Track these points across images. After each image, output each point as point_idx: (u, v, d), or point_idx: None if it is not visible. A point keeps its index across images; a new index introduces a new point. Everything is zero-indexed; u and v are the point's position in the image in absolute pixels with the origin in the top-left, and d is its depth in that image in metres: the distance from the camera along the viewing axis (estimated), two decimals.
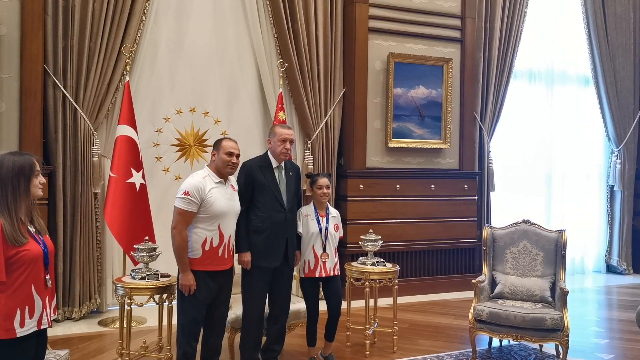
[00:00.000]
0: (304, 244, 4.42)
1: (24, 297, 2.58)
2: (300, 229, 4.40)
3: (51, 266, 2.75)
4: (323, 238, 4.42)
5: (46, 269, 2.70)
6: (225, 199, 3.85)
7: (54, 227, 5.53)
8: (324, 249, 4.42)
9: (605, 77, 8.58)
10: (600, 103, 8.69)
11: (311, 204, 4.54)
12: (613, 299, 7.53)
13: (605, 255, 8.96)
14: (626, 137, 8.72)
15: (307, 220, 4.43)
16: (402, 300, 6.69)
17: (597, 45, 8.55)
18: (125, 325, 4.12)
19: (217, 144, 3.94)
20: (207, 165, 3.96)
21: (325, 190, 4.47)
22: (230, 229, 3.91)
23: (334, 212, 4.61)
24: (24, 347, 2.60)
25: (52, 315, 2.76)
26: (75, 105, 5.59)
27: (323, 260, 4.41)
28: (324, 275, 4.41)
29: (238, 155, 3.93)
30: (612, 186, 8.87)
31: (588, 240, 8.89)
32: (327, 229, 4.45)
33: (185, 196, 3.71)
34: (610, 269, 8.94)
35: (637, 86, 8.82)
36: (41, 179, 2.70)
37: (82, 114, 5.60)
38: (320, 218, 4.46)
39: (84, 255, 5.66)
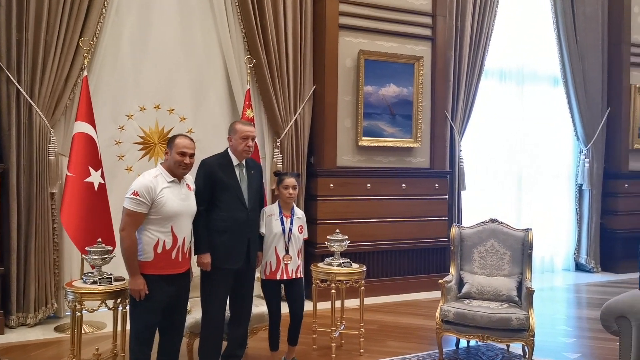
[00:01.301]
0: (266, 245, 4.27)
1: None
2: (262, 229, 4.25)
3: None
4: (286, 239, 4.28)
5: None
6: (179, 199, 3.66)
7: (7, 228, 5.30)
8: (287, 251, 4.28)
9: (575, 77, 8.61)
10: (569, 103, 8.72)
11: (276, 204, 4.41)
12: (582, 297, 7.57)
13: (574, 253, 9.00)
14: (594, 137, 8.76)
15: (271, 220, 4.28)
16: (373, 300, 6.61)
17: (567, 45, 8.58)
18: (76, 333, 3.93)
19: (171, 142, 3.74)
20: (161, 164, 3.77)
21: (291, 191, 4.33)
22: (184, 231, 3.71)
23: (299, 213, 4.48)
24: None
25: None
26: (30, 101, 5.35)
27: (285, 262, 4.27)
28: (285, 277, 4.27)
29: (192, 155, 3.73)
30: (581, 185, 8.91)
31: (557, 238, 8.92)
32: (290, 230, 4.31)
33: (134, 196, 3.51)
34: (579, 267, 8.99)
35: (605, 86, 8.87)
36: None
37: (38, 110, 5.37)
38: (284, 219, 4.32)
39: (40, 258, 5.43)
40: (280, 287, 4.35)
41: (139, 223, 3.55)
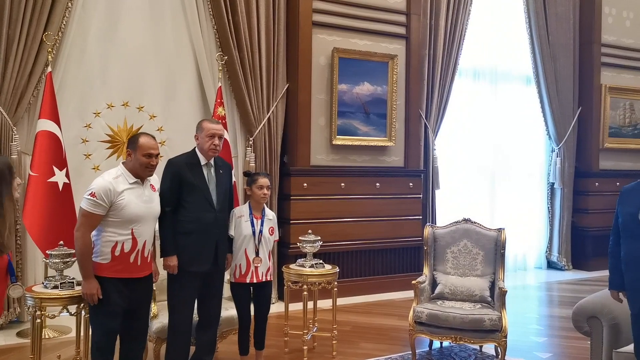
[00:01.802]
0: (236, 247, 4.17)
1: None
2: (232, 231, 4.16)
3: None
4: (256, 241, 4.19)
5: (13, 277, 3.05)
6: (141, 201, 3.49)
7: None
8: (257, 253, 4.19)
9: (546, 77, 8.67)
10: (542, 102, 8.78)
11: (246, 205, 4.32)
12: (553, 296, 7.62)
13: (546, 251, 9.09)
14: (566, 136, 8.84)
15: (240, 221, 4.19)
16: (347, 301, 6.56)
17: (539, 45, 8.63)
18: (37, 339, 3.77)
19: (134, 143, 3.53)
20: (123, 163, 3.57)
21: (265, 191, 4.25)
22: (146, 234, 3.54)
23: (270, 214, 4.38)
24: None
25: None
26: None
27: (255, 264, 4.18)
28: (255, 280, 4.18)
29: (157, 155, 3.56)
30: (553, 184, 8.98)
31: (530, 237, 8.99)
32: (261, 232, 4.22)
33: (92, 198, 3.33)
34: (550, 265, 9.07)
35: (576, 86, 8.96)
36: (18, 180, 3.03)
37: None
38: (254, 220, 4.23)
39: None
40: (249, 290, 4.26)
41: (95, 224, 3.39)
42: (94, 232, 3.42)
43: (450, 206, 8.07)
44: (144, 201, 3.51)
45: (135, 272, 3.52)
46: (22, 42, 5.28)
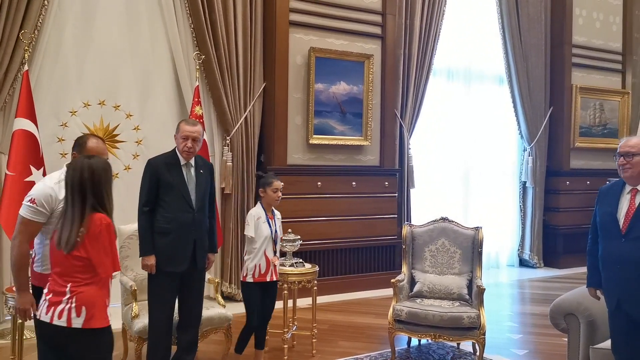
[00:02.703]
0: (256, 248, 4.25)
1: (107, 290, 2.84)
2: (252, 233, 4.23)
3: None
4: (274, 241, 4.32)
5: None
6: None
7: None
8: (275, 253, 4.33)
9: (519, 77, 8.81)
10: (514, 102, 8.92)
11: (259, 206, 4.39)
12: (526, 293, 7.76)
13: (518, 249, 9.24)
14: (537, 135, 9.00)
15: (259, 223, 4.27)
16: (323, 299, 6.59)
17: (511, 45, 8.77)
18: (18, 339, 3.74)
19: (80, 145, 3.21)
20: (67, 165, 3.09)
21: (280, 194, 4.38)
22: None
23: (277, 213, 4.52)
24: (111, 334, 2.85)
25: None
26: None
27: (274, 263, 4.31)
28: (274, 278, 4.33)
29: None
30: (525, 182, 9.14)
31: (502, 235, 9.12)
32: (276, 231, 4.37)
33: (31, 204, 3.04)
34: (522, 263, 9.23)
35: (547, 86, 9.12)
36: None
37: None
38: (269, 220, 4.34)
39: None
40: (263, 288, 4.33)
41: (35, 233, 3.11)
42: (36, 241, 3.18)
43: (424, 205, 8.16)
44: None
45: None
46: None
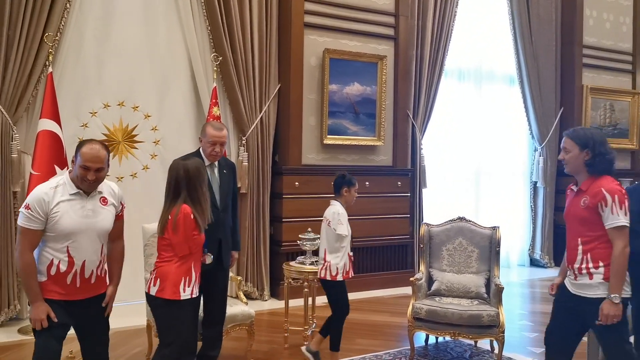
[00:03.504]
0: (344, 247, 4.33)
1: (186, 270, 3.34)
2: (346, 231, 4.31)
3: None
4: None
5: (205, 250, 3.54)
6: (79, 215, 3.10)
7: None
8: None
9: (530, 77, 8.86)
10: (525, 102, 8.97)
11: (340, 205, 4.43)
12: (537, 292, 7.81)
13: (529, 249, 9.28)
14: (548, 135, 9.04)
15: (347, 221, 4.37)
16: None
17: (522, 45, 8.82)
18: None
19: (77, 150, 3.13)
20: (69, 172, 3.21)
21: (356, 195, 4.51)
22: (86, 253, 3.14)
23: None
24: (183, 309, 3.32)
25: (197, 290, 3.43)
26: None
27: (351, 260, 4.43)
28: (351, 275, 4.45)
29: (99, 170, 3.11)
30: (535, 183, 9.19)
31: (513, 235, 9.17)
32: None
33: (26, 210, 3.01)
34: (533, 263, 9.28)
35: (558, 86, 9.16)
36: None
37: (0, 107, 5.20)
38: None
39: (2, 259, 5.26)
40: None
41: (35, 241, 3.05)
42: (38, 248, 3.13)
43: (436, 204, 8.22)
44: (83, 215, 3.12)
45: (73, 294, 3.16)
46: (22, 43, 5.28)
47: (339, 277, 4.31)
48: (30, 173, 5.08)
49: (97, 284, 3.25)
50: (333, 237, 4.32)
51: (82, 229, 3.09)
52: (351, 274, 4.42)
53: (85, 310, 3.21)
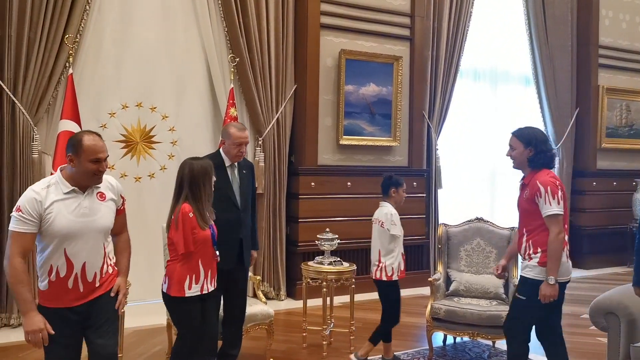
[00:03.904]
0: (398, 246, 4.38)
1: (192, 267, 3.41)
2: (399, 232, 4.38)
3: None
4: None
5: (215, 247, 3.53)
6: (75, 215, 2.85)
7: None
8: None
9: (545, 77, 8.83)
10: (540, 102, 8.95)
11: (391, 206, 4.49)
12: None
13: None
14: (564, 136, 9.01)
15: (399, 222, 4.41)
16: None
17: (538, 46, 8.79)
18: None
19: (76, 146, 2.85)
20: (60, 169, 2.94)
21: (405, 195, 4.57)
22: (85, 254, 2.90)
23: None
24: (190, 304, 3.42)
25: (213, 285, 3.56)
26: (14, 98, 5.25)
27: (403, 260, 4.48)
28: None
29: (106, 159, 2.93)
30: None
31: None
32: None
33: (17, 213, 2.77)
34: None
35: (574, 86, 9.12)
36: (214, 177, 3.51)
37: (21, 107, 5.27)
38: None
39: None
40: None
41: (27, 246, 2.80)
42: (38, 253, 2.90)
43: (452, 205, 8.21)
44: (79, 214, 2.87)
45: (77, 299, 2.92)
46: (43, 45, 5.35)
47: (395, 277, 4.39)
48: (51, 173, 5.14)
49: (103, 285, 3.01)
50: (387, 238, 4.37)
51: (79, 228, 2.85)
52: (404, 274, 4.50)
53: (91, 306, 2.95)
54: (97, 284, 2.96)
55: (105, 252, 3.00)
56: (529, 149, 3.59)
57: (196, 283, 3.43)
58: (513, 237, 4.90)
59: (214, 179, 3.55)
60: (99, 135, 2.93)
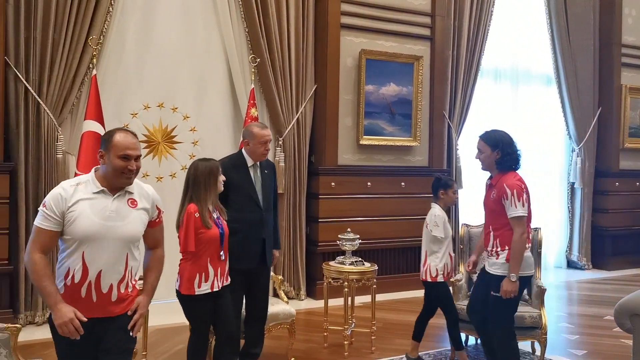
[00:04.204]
0: (442, 247, 4.38)
1: (201, 266, 3.56)
2: (442, 234, 4.35)
3: (225, 244, 3.67)
4: (453, 240, 4.52)
5: (222, 246, 3.62)
6: (100, 216, 2.66)
7: (16, 227, 5.29)
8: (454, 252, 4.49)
9: (567, 77, 8.74)
10: (562, 102, 8.86)
11: (439, 207, 4.49)
12: (575, 295, 7.71)
13: (566, 251, 9.15)
14: (586, 136, 8.91)
15: (445, 223, 4.41)
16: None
17: (559, 45, 8.71)
18: None
19: (107, 141, 2.72)
20: (95, 170, 2.79)
21: (457, 196, 4.59)
22: (103, 261, 2.66)
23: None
24: (200, 302, 3.59)
25: (225, 282, 3.71)
26: (38, 99, 5.34)
27: (452, 262, 4.47)
28: (453, 276, 4.50)
29: (138, 157, 2.75)
30: (573, 183, 9.06)
31: (550, 236, 9.04)
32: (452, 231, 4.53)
33: (42, 208, 2.66)
34: (570, 265, 9.14)
35: (596, 86, 9.01)
36: (222, 177, 3.67)
37: (46, 108, 5.35)
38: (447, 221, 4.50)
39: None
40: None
41: (47, 243, 2.66)
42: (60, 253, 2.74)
43: (472, 205, 8.14)
44: (104, 217, 2.67)
45: (90, 310, 2.66)
46: (67, 46, 5.43)
47: (439, 279, 4.38)
48: (75, 173, 5.21)
49: (120, 303, 2.73)
50: (431, 239, 4.39)
51: (101, 232, 2.64)
52: (452, 275, 4.47)
53: (106, 326, 2.70)
54: (113, 299, 2.70)
55: (127, 265, 2.73)
56: (496, 152, 3.77)
57: (205, 281, 3.57)
58: (535, 237, 4.87)
59: (223, 178, 3.69)
60: (134, 134, 2.79)
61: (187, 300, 3.61)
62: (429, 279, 4.40)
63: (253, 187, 4.11)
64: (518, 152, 3.83)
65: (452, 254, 4.47)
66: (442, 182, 4.54)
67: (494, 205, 3.76)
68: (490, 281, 3.80)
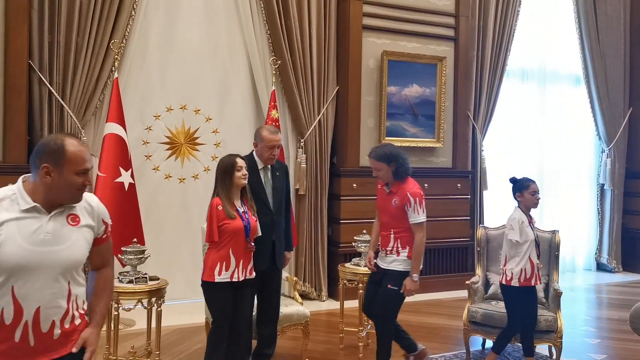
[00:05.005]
0: (521, 252, 4.26)
1: (223, 255, 3.70)
2: (518, 237, 4.25)
3: (251, 237, 3.80)
4: (537, 245, 4.34)
5: (247, 238, 3.76)
6: (31, 241, 2.08)
7: None
8: (538, 257, 4.35)
9: (596, 77, 8.57)
10: (591, 102, 8.69)
11: (519, 210, 4.37)
12: (603, 298, 7.56)
13: (596, 253, 8.97)
14: (616, 137, 8.72)
15: (523, 227, 4.28)
16: None
17: (589, 44, 8.54)
18: (112, 330, 4.02)
19: (57, 154, 2.11)
20: (22, 179, 2.17)
21: (539, 196, 4.41)
22: (39, 296, 2.09)
23: (533, 218, 4.51)
24: (220, 290, 3.73)
25: (249, 275, 3.82)
26: (62, 102, 5.47)
27: (539, 267, 4.33)
28: (539, 283, 4.35)
29: (89, 170, 2.20)
30: (603, 185, 8.88)
31: (579, 238, 8.88)
32: (537, 235, 4.38)
33: None
34: (600, 267, 8.95)
35: (627, 86, 8.81)
36: (244, 172, 3.76)
37: (69, 111, 5.49)
38: (531, 224, 4.36)
39: None
40: (535, 292, 4.37)
41: None
42: None
43: (498, 207, 8.05)
44: (37, 241, 2.09)
45: (25, 356, 2.10)
46: (90, 50, 5.57)
47: (514, 283, 4.24)
48: (97, 175, 5.32)
49: (64, 340, 2.18)
50: (507, 242, 4.32)
51: (34, 260, 2.07)
52: (535, 282, 4.27)
53: None
54: (56, 337, 2.14)
55: (70, 295, 2.17)
56: (392, 165, 4.02)
57: (226, 270, 3.70)
58: (553, 240, 4.80)
59: (244, 173, 3.79)
60: (80, 139, 2.31)
61: (208, 287, 3.77)
62: (503, 282, 4.32)
63: (263, 189, 4.13)
64: (407, 159, 4.09)
65: (535, 260, 4.28)
66: (516, 184, 4.39)
67: (397, 211, 4.04)
68: (388, 276, 4.10)
